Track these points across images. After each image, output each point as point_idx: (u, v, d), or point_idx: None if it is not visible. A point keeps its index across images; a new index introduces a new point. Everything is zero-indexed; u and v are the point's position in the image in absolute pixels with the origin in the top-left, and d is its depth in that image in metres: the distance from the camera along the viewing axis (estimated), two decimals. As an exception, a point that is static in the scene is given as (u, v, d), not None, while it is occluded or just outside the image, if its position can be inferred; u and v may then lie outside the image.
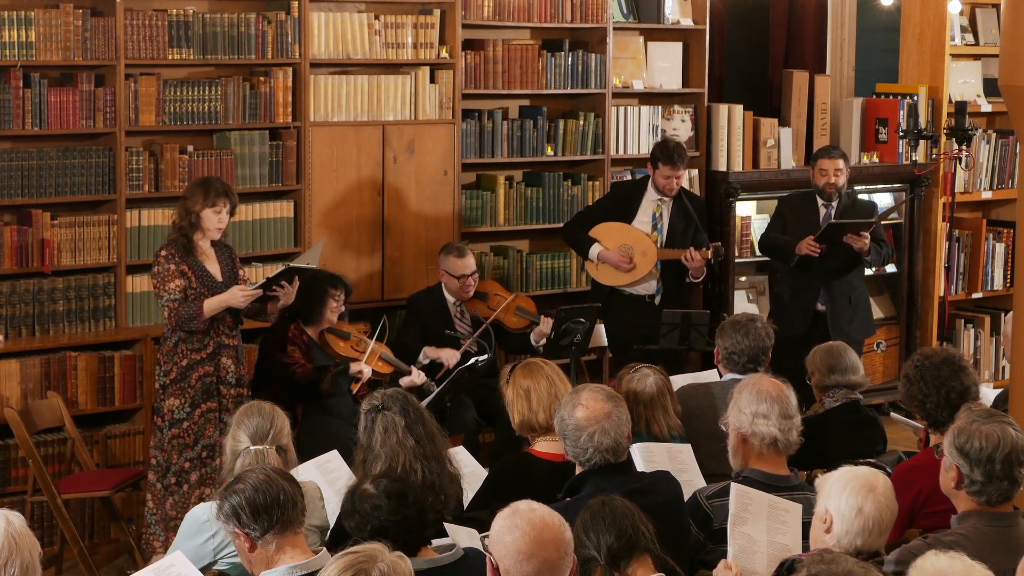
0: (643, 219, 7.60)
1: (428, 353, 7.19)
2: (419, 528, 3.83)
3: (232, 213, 6.27)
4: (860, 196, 8.18)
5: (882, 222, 7.91)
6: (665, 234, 7.60)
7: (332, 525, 4.55)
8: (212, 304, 6.12)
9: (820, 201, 7.76)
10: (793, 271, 7.74)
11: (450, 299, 7.31)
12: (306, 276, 6.78)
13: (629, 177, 8.25)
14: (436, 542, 4.17)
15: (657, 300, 7.59)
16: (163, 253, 6.17)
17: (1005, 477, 3.93)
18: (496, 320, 7.29)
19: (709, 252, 7.44)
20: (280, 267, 6.40)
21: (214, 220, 6.17)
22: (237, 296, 6.14)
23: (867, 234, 7.52)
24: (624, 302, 7.56)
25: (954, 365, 4.87)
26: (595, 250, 7.55)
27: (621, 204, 7.65)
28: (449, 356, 7.15)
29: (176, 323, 6.13)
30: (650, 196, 7.61)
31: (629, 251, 7.50)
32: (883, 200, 9.00)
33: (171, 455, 6.15)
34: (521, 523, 3.37)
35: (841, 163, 7.73)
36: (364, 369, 6.73)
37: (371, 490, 3.84)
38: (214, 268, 6.23)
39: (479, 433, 7.16)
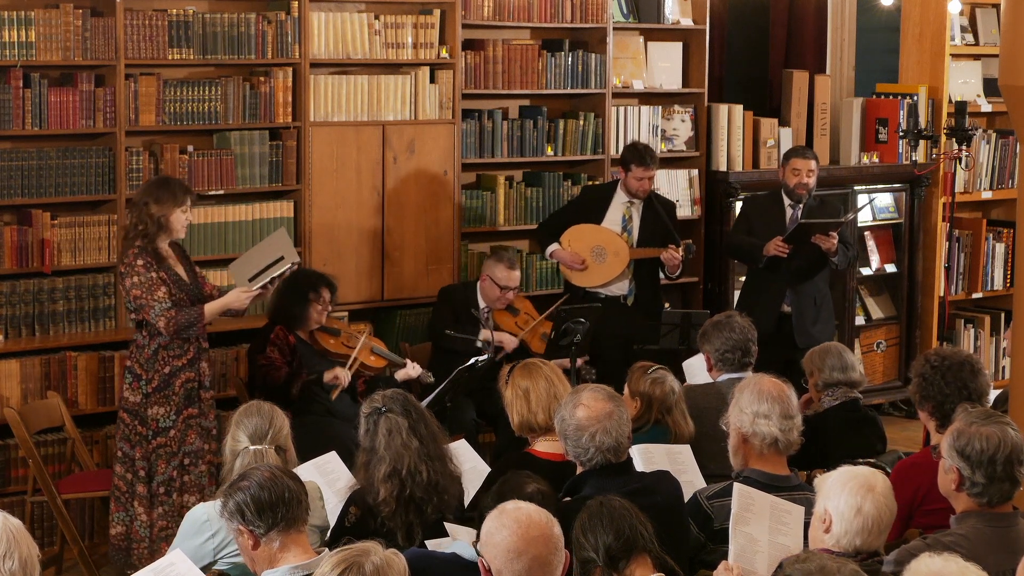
0: (612, 221, 7.61)
1: (486, 335, 7.18)
2: None
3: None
4: (828, 197, 8.13)
5: (876, 222, 7.91)
6: (636, 235, 7.61)
7: (332, 525, 4.56)
8: (214, 308, 6.04)
9: (787, 202, 7.72)
10: (759, 272, 7.71)
11: (481, 303, 7.31)
12: (287, 282, 6.71)
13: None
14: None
15: (630, 301, 7.61)
16: (140, 263, 5.96)
17: (1006, 478, 3.94)
18: (522, 340, 7.29)
19: (680, 250, 7.44)
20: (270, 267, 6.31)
21: (182, 220, 6.05)
22: (241, 298, 6.08)
23: (835, 234, 7.45)
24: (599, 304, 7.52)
25: (972, 366, 4.87)
26: (550, 248, 7.59)
27: (591, 207, 7.67)
28: (509, 340, 7.18)
29: (175, 331, 5.98)
30: (620, 199, 7.63)
31: (602, 252, 7.52)
32: (883, 200, 9.00)
33: (156, 464, 6.05)
34: (508, 522, 3.38)
35: (814, 164, 7.67)
36: (340, 375, 6.61)
37: (529, 487, 4.02)
38: (179, 270, 6.13)
39: (478, 433, 7.16)
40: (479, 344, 7.11)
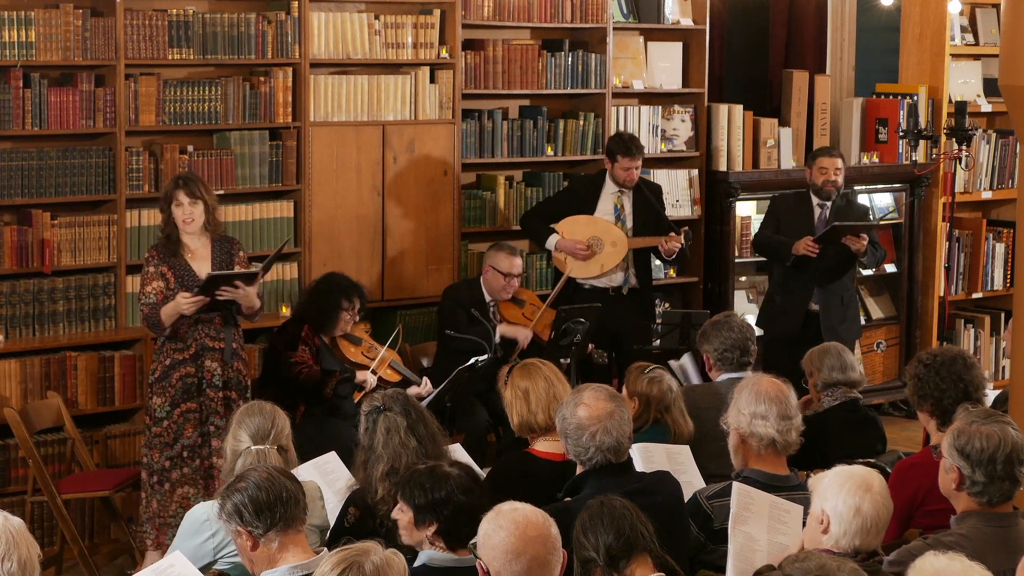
0: (605, 211, 7.62)
1: (503, 331, 7.20)
2: (476, 519, 3.87)
3: (206, 206, 6.15)
4: (853, 197, 8.18)
5: (876, 223, 7.94)
6: (631, 224, 7.62)
7: (332, 525, 4.56)
8: (166, 312, 6.07)
9: (815, 201, 7.77)
10: (786, 271, 7.75)
11: (486, 297, 7.31)
12: (322, 286, 6.72)
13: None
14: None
15: (625, 291, 7.61)
16: (146, 256, 6.22)
17: (1006, 477, 3.93)
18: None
19: (681, 236, 7.46)
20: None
21: (178, 214, 6.13)
22: (181, 304, 6.05)
23: (866, 236, 7.53)
24: (586, 296, 7.48)
25: (966, 360, 4.89)
26: (552, 240, 7.57)
27: (580, 198, 7.67)
28: (524, 336, 7.20)
29: (147, 326, 6.18)
30: (609, 189, 7.64)
31: (598, 243, 7.52)
32: (883, 200, 9.01)
33: (153, 453, 6.16)
34: (505, 523, 3.38)
35: (840, 162, 7.78)
36: (369, 379, 6.70)
37: (449, 470, 3.96)
38: (202, 266, 6.17)
39: (488, 433, 7.16)
40: (496, 341, 7.11)
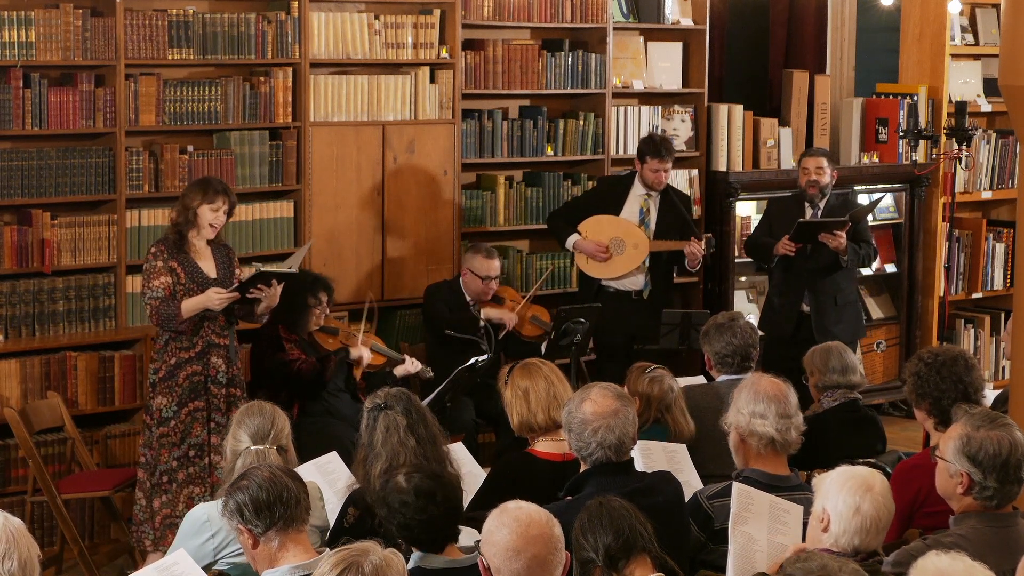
0: (630, 213, 7.62)
1: (487, 313, 7.20)
2: (446, 527, 3.84)
3: (230, 214, 6.23)
4: (851, 197, 8.16)
5: (876, 223, 7.92)
6: (653, 228, 7.62)
7: (332, 525, 4.56)
8: (189, 305, 6.06)
9: (807, 203, 7.76)
10: (780, 273, 7.75)
11: (467, 298, 7.33)
12: (285, 287, 6.71)
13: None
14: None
15: (646, 295, 7.61)
16: (152, 250, 6.16)
17: (1016, 480, 3.94)
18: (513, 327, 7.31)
19: (703, 242, 7.46)
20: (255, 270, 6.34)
21: (210, 217, 6.13)
22: (213, 299, 6.06)
23: (841, 233, 7.50)
24: (609, 299, 7.52)
25: (966, 361, 4.88)
26: (571, 239, 7.57)
27: (608, 198, 7.67)
28: (509, 317, 7.23)
29: (157, 322, 6.11)
30: (637, 191, 7.64)
31: (620, 244, 7.52)
32: (883, 200, 9.01)
33: (159, 453, 6.14)
34: (508, 521, 3.39)
35: (824, 162, 7.72)
36: (364, 353, 6.71)
37: (403, 484, 3.88)
38: (208, 266, 6.19)
39: (478, 433, 7.16)
40: (481, 332, 7.11)
